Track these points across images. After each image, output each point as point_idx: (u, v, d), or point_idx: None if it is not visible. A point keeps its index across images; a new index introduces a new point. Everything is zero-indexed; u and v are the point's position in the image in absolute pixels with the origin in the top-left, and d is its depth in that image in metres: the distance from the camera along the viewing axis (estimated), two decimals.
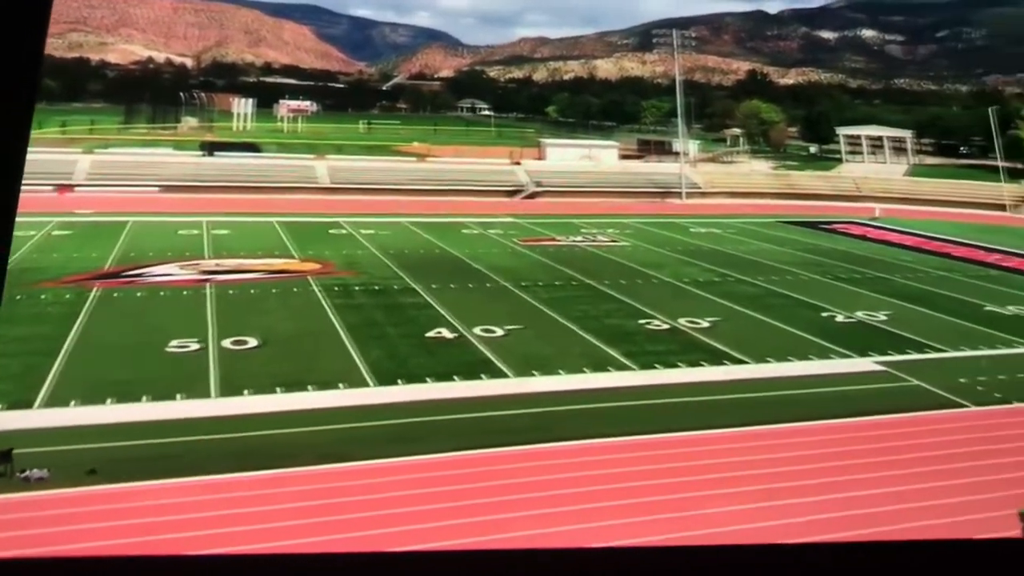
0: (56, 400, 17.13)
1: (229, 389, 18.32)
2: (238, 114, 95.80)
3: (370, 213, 48.89)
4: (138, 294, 27.20)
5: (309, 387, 18.51)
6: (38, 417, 16.28)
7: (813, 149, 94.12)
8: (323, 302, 26.82)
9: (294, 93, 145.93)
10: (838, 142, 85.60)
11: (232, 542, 11.64)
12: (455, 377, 19.60)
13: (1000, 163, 67.03)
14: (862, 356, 22.76)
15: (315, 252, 35.82)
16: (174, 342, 21.54)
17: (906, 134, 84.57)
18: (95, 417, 16.29)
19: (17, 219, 1.40)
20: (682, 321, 25.80)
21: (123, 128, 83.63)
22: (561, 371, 20.48)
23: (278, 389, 18.29)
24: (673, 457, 15.29)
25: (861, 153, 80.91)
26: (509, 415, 17.37)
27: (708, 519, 12.87)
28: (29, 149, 1.39)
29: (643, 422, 17.06)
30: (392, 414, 17.16)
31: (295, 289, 28.70)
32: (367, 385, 19.02)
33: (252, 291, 28.08)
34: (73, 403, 17.02)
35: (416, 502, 13.06)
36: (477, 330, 23.83)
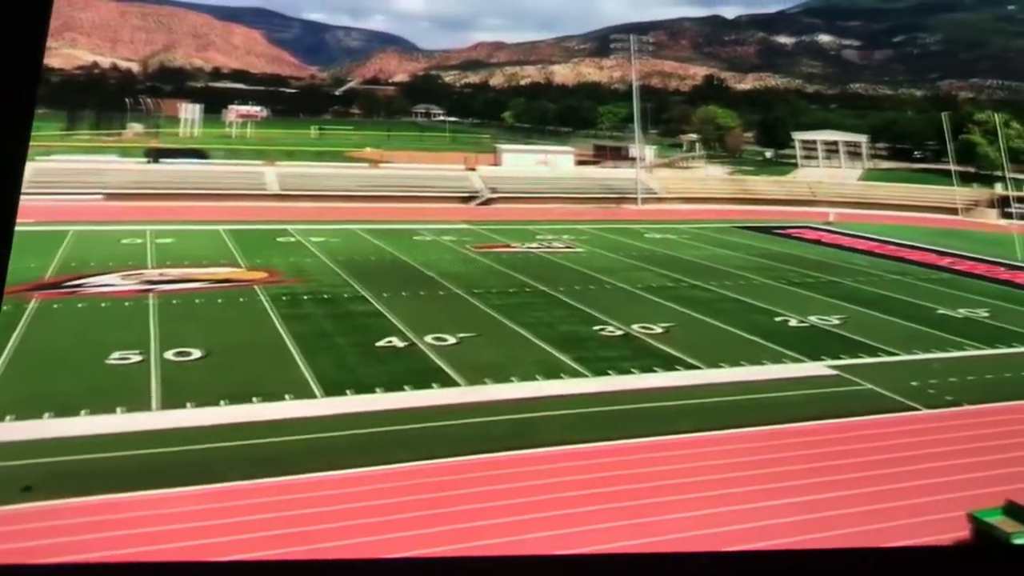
0: None
1: (171, 402, 17.70)
2: (185, 120, 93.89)
3: (320, 220, 48.17)
4: (78, 305, 26.34)
5: (254, 399, 17.95)
6: None
7: (769, 154, 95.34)
8: (270, 312, 26.21)
9: (244, 98, 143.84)
10: (794, 147, 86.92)
11: (172, 557, 11.12)
12: (406, 387, 19.23)
13: (953, 167, 68.42)
14: (815, 360, 22.83)
15: (263, 260, 35.07)
16: (115, 354, 20.83)
17: (861, 139, 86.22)
18: (31, 432, 15.63)
19: None
20: (635, 327, 25.71)
21: (66, 135, 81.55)
22: (514, 378, 20.18)
23: (222, 402, 17.72)
24: (625, 464, 15.08)
25: (816, 158, 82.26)
26: (460, 424, 17.05)
27: (659, 526, 12.68)
28: None
29: (596, 429, 16.83)
30: (340, 425, 16.72)
31: (241, 299, 28.01)
32: (314, 396, 18.53)
33: (196, 301, 27.36)
34: (8, 418, 16.30)
35: (364, 514, 12.65)
36: (429, 338, 23.45)
